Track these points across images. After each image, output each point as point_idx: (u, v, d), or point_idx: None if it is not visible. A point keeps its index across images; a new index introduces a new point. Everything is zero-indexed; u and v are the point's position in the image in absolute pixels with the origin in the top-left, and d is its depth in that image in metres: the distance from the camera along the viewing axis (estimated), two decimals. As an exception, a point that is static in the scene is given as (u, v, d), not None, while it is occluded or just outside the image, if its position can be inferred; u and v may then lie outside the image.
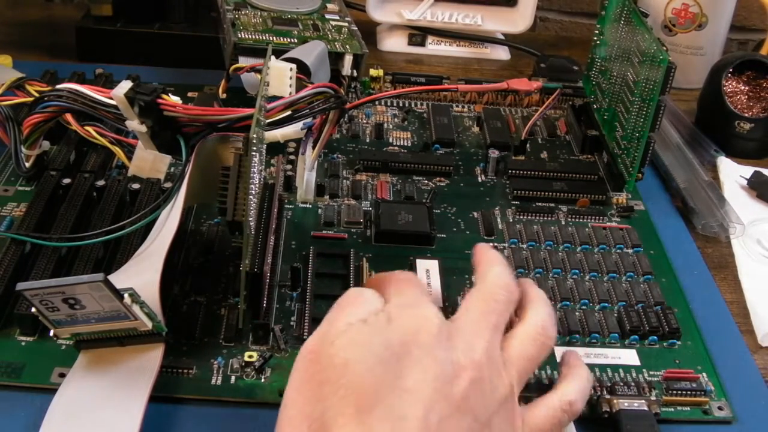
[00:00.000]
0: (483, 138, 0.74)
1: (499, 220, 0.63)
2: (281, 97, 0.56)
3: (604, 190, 0.67)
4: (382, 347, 0.39)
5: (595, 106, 0.76)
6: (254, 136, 0.46)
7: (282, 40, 0.72)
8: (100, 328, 0.45)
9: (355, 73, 0.73)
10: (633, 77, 0.66)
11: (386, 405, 0.36)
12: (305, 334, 0.51)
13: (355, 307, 0.42)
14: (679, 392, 0.50)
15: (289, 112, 0.55)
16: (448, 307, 0.54)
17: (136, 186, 0.59)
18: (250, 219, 0.49)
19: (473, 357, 0.40)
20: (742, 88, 0.78)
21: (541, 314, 0.45)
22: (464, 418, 0.38)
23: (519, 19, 0.91)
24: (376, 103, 0.77)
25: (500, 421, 0.39)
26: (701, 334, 0.55)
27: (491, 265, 0.46)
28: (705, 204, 0.67)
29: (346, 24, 0.78)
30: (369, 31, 0.91)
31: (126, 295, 0.43)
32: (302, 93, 0.56)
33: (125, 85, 0.52)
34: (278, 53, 0.65)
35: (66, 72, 0.74)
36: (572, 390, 0.45)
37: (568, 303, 0.56)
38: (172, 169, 0.62)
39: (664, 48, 0.61)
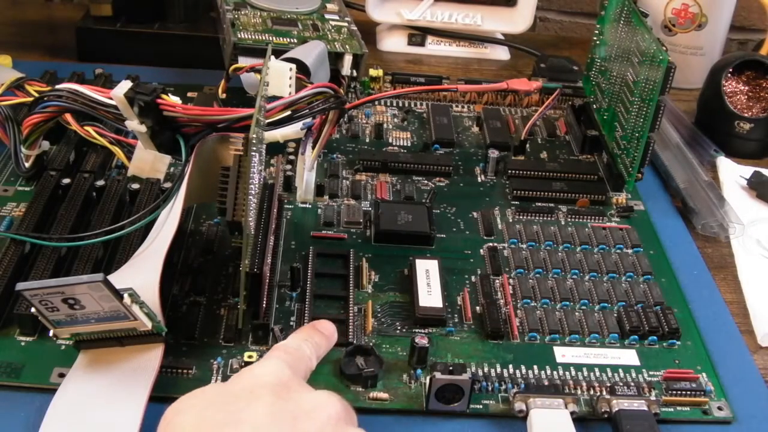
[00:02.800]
0: (483, 138, 0.74)
1: (498, 220, 0.63)
2: (281, 97, 0.56)
3: (603, 190, 0.67)
4: (215, 395, 0.41)
5: (594, 106, 0.76)
6: (254, 136, 0.46)
7: (282, 40, 0.72)
8: (100, 328, 0.45)
9: (354, 73, 0.73)
10: (633, 77, 0.66)
11: None
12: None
13: None
14: (679, 392, 0.50)
15: (288, 112, 0.55)
16: (448, 307, 0.54)
17: (135, 186, 0.59)
18: (250, 219, 0.49)
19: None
20: (742, 88, 0.78)
21: None
22: None
23: (519, 19, 0.91)
24: (376, 103, 0.77)
25: None
26: (701, 334, 0.55)
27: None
28: (705, 204, 0.67)
29: (346, 24, 0.78)
30: (369, 31, 0.91)
31: (126, 295, 0.43)
32: (302, 93, 0.56)
33: (125, 85, 0.52)
34: (278, 53, 0.65)
35: (66, 72, 0.74)
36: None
37: (567, 303, 0.56)
38: (172, 169, 0.62)
39: (664, 48, 0.61)
